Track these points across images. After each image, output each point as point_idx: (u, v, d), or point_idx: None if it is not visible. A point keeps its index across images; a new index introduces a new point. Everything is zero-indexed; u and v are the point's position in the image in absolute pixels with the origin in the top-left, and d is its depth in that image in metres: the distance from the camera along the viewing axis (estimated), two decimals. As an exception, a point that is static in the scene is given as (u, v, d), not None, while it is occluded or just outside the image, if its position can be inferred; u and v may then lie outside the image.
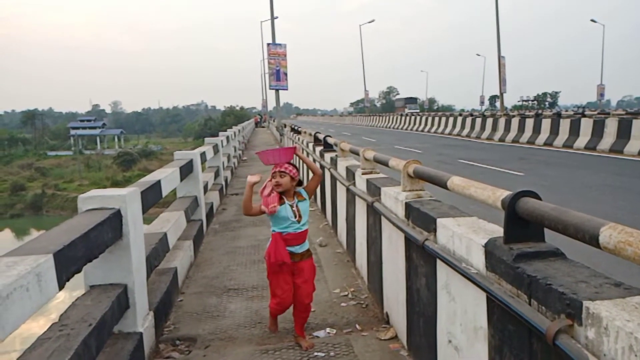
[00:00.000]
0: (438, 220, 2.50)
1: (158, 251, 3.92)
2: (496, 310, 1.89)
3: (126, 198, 2.94)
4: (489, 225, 2.25)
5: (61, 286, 2.06)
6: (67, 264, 2.12)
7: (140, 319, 3.06)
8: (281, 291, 3.23)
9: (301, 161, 3.54)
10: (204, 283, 4.61)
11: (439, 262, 2.47)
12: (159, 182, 4.13)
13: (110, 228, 2.74)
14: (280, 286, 3.24)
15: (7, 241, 33.87)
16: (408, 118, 35.73)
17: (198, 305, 4.05)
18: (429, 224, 2.61)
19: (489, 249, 1.93)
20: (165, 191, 4.30)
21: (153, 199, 3.87)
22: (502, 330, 1.86)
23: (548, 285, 1.53)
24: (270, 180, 3.20)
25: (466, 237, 2.15)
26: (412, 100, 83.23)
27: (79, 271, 2.31)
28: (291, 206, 3.19)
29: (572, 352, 1.35)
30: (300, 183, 3.30)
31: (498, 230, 2.10)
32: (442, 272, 2.45)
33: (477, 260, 2.03)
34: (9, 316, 1.64)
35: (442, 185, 2.59)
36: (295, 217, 3.18)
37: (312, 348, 3.24)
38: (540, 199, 1.80)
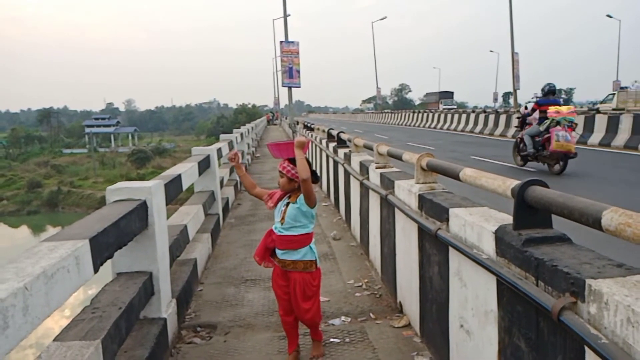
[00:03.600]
0: (450, 210, 2.60)
1: (179, 242, 4.08)
2: (505, 293, 1.99)
3: (152, 190, 3.08)
4: (499, 214, 2.35)
5: (96, 269, 2.21)
6: (100, 249, 2.27)
7: (164, 306, 3.21)
8: (276, 289, 3.04)
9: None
10: (222, 274, 4.76)
11: (451, 250, 2.57)
12: (179, 176, 4.28)
13: (138, 218, 2.89)
14: (274, 284, 3.06)
15: (24, 238, 34.52)
16: (421, 115, 35.64)
17: (217, 295, 4.20)
18: (442, 214, 2.72)
19: (499, 235, 2.03)
20: (185, 185, 4.45)
21: (175, 192, 4.02)
22: (511, 311, 1.96)
23: (554, 267, 1.64)
24: None
25: (477, 225, 2.25)
26: (447, 95, 69.19)
27: (110, 257, 2.45)
28: (284, 204, 2.95)
29: (575, 327, 1.46)
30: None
31: (508, 219, 2.20)
32: (454, 259, 2.56)
33: (488, 247, 2.14)
34: (54, 294, 1.78)
35: (455, 176, 2.69)
36: (280, 218, 2.92)
37: (321, 357, 3.07)
38: (548, 187, 1.90)
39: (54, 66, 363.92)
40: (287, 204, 2.91)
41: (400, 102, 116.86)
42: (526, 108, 11.05)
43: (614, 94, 28.52)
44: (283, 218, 2.89)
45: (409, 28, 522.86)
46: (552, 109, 9.61)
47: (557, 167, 9.48)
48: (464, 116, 27.27)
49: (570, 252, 1.75)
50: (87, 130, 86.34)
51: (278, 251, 2.94)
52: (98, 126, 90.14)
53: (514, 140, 11.47)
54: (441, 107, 56.11)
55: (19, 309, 1.55)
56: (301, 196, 2.87)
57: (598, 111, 17.06)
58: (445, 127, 28.75)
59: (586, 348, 1.45)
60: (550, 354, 1.69)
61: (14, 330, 1.52)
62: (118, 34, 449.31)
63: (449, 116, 29.53)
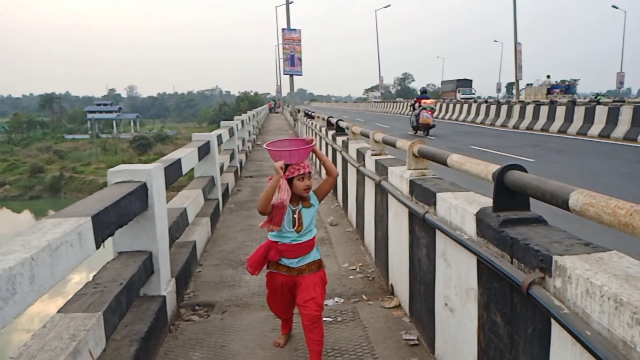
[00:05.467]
0: (438, 194, 2.71)
1: (179, 224, 4.19)
2: (485, 271, 2.11)
3: (151, 172, 3.19)
4: (482, 198, 2.45)
5: (97, 246, 2.32)
6: (102, 226, 2.38)
7: (164, 284, 3.34)
8: (274, 306, 3.01)
9: (316, 142, 3.01)
10: (221, 256, 4.89)
11: (437, 232, 2.69)
12: (179, 160, 4.39)
13: (138, 199, 3.00)
14: (274, 300, 2.96)
15: (27, 222, 34.77)
16: (422, 105, 35.53)
17: (215, 276, 4.33)
18: (430, 198, 2.82)
19: (480, 217, 2.14)
20: (185, 169, 4.55)
21: (174, 176, 4.13)
22: (489, 289, 2.08)
23: (526, 245, 1.75)
24: (288, 182, 2.63)
25: (461, 207, 2.36)
26: (465, 83, 61.59)
27: (111, 234, 2.57)
28: (293, 212, 2.68)
29: (541, 299, 1.57)
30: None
31: (490, 202, 2.30)
32: (440, 241, 2.67)
33: (470, 228, 2.25)
34: (58, 266, 1.90)
35: (443, 162, 2.80)
36: (294, 225, 2.67)
37: None
38: (526, 172, 2.00)
39: (56, 51, 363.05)
40: (300, 209, 2.69)
41: (404, 91, 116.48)
42: (414, 101, 18.54)
43: (524, 88, 38.99)
44: (301, 225, 2.68)
45: (414, 17, 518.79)
46: (423, 102, 17.44)
47: (425, 132, 17.06)
48: (465, 106, 27.29)
49: (543, 232, 1.86)
50: (89, 116, 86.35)
51: (291, 260, 2.73)
52: (100, 112, 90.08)
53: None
54: (459, 96, 51.38)
55: (26, 277, 1.67)
56: (312, 195, 2.75)
57: (599, 102, 17.07)
58: (447, 117, 28.76)
59: (552, 320, 1.57)
60: (522, 327, 1.80)
61: (21, 297, 1.63)
62: (120, 20, 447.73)
63: (451, 106, 29.55)
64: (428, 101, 17.59)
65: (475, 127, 21.91)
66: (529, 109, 19.96)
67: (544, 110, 18.90)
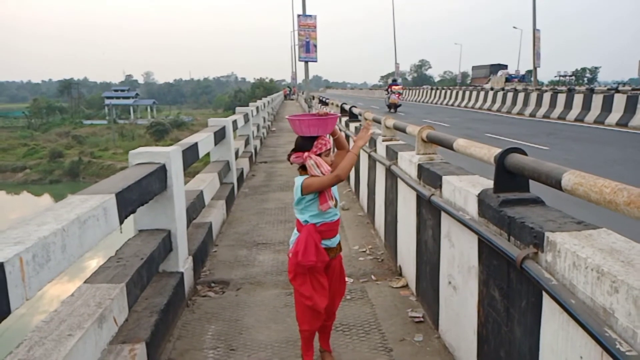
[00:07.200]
0: (443, 177, 2.82)
1: (195, 206, 4.36)
2: (485, 249, 2.22)
3: (170, 155, 3.35)
4: (485, 181, 2.55)
5: (121, 221, 2.49)
6: (125, 203, 2.54)
7: (182, 261, 3.51)
8: (317, 296, 2.50)
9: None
10: (236, 238, 5.06)
11: (442, 214, 2.80)
12: (196, 144, 4.54)
13: (158, 179, 3.16)
14: (314, 289, 2.50)
15: (47, 205, 35.48)
16: (438, 92, 35.36)
17: (230, 256, 4.50)
18: (436, 181, 2.93)
19: (481, 198, 2.25)
20: (201, 152, 4.71)
21: (191, 159, 4.28)
22: (488, 266, 2.19)
23: (522, 223, 1.85)
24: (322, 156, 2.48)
25: (465, 189, 2.47)
26: (500, 68, 53.63)
27: (133, 211, 2.73)
28: None
29: (533, 272, 1.68)
30: None
31: (492, 184, 2.40)
32: (445, 222, 2.78)
33: (472, 209, 2.35)
34: (86, 237, 2.06)
35: (449, 146, 2.90)
36: (334, 201, 2.50)
37: None
38: (526, 154, 2.09)
39: (75, 37, 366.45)
40: None
41: (420, 78, 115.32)
42: (387, 86, 26.31)
43: (490, 79, 48.53)
44: (335, 199, 2.52)
45: (431, 3, 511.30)
46: (393, 87, 24.64)
47: (394, 110, 23.41)
48: (482, 94, 27.07)
49: (540, 212, 1.96)
50: (107, 102, 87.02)
51: (331, 240, 2.55)
52: (117, 98, 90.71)
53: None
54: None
55: (59, 246, 1.83)
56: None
57: (617, 90, 16.83)
58: (463, 104, 28.57)
59: (543, 292, 1.68)
60: (517, 300, 1.92)
61: (54, 264, 1.79)
62: (138, 6, 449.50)
63: (467, 93, 29.33)
64: (397, 87, 24.93)
65: (492, 115, 21.77)
66: (546, 97, 19.74)
67: (561, 98, 18.68)
